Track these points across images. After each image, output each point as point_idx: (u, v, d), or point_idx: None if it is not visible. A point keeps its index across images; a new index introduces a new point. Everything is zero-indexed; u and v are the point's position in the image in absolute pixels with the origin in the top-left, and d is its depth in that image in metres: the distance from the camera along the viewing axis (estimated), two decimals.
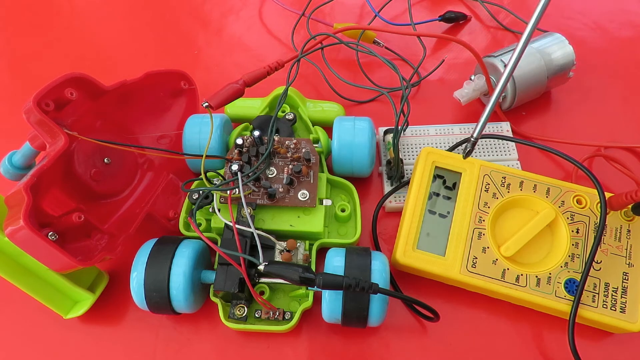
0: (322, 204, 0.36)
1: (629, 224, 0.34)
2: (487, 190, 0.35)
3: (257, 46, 0.52)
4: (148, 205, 0.37)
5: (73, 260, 0.29)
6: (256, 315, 0.34)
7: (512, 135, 0.42)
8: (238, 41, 0.53)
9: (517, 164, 0.40)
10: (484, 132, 0.42)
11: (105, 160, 0.37)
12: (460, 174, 0.36)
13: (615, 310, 0.32)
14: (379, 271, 0.31)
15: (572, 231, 0.34)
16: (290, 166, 0.36)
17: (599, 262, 0.33)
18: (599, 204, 0.34)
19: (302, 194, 0.35)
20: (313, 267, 0.35)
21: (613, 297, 0.32)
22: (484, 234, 0.34)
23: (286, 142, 0.37)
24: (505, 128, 0.42)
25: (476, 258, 0.33)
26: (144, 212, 0.36)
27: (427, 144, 0.42)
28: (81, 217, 0.32)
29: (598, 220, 0.34)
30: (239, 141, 0.36)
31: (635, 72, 0.47)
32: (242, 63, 0.51)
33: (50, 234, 0.29)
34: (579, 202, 0.35)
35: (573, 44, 0.42)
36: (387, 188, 0.40)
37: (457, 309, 0.35)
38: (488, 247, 0.33)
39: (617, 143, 0.42)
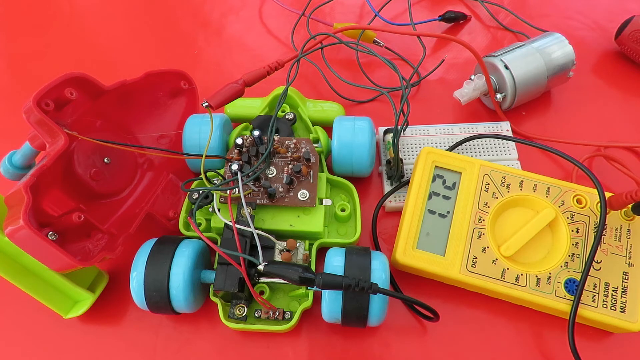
0: (322, 203, 0.36)
1: (629, 223, 0.34)
2: (487, 190, 0.35)
3: (257, 46, 0.52)
4: (148, 205, 0.37)
5: (73, 260, 0.29)
6: (256, 315, 0.34)
7: (512, 135, 0.42)
8: (238, 41, 0.53)
9: (517, 163, 0.40)
10: (483, 132, 0.42)
11: (105, 160, 0.37)
12: (460, 173, 0.36)
13: (615, 310, 0.32)
14: (378, 271, 0.31)
15: (572, 231, 0.34)
16: (290, 166, 0.36)
17: (599, 261, 0.33)
18: (599, 204, 0.34)
19: (302, 194, 0.35)
20: (313, 267, 0.35)
21: (613, 296, 0.32)
22: (483, 234, 0.34)
23: (286, 142, 0.37)
24: (505, 128, 0.42)
25: (476, 258, 0.33)
26: (144, 212, 0.36)
27: (427, 144, 0.42)
28: (81, 217, 0.32)
29: (598, 220, 0.34)
30: (239, 141, 0.36)
31: (635, 72, 0.47)
32: (242, 63, 0.51)
33: (50, 233, 0.29)
34: (579, 201, 0.35)
35: (573, 44, 0.42)
36: (387, 188, 0.40)
37: (457, 309, 0.35)
38: (488, 247, 0.33)
39: (617, 143, 0.42)
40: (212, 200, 0.34)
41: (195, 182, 0.38)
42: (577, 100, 0.46)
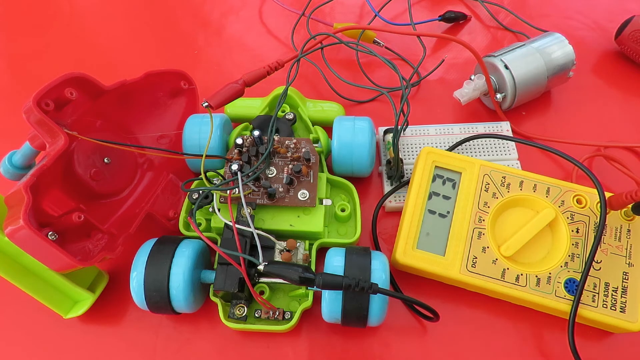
0: (322, 203, 0.36)
1: (629, 223, 0.34)
2: (487, 190, 0.35)
3: (257, 46, 0.52)
4: (148, 205, 0.37)
5: (73, 260, 0.29)
6: (256, 315, 0.34)
7: (512, 135, 0.42)
8: (238, 41, 0.53)
9: (517, 163, 0.40)
10: (483, 132, 0.42)
11: (105, 160, 0.37)
12: (460, 173, 0.36)
13: (615, 310, 0.32)
14: (378, 271, 0.31)
15: (572, 231, 0.34)
16: (290, 166, 0.36)
17: (599, 261, 0.33)
18: (599, 204, 0.34)
19: (302, 194, 0.35)
20: (313, 267, 0.35)
21: (613, 296, 0.32)
22: (483, 234, 0.34)
23: (286, 142, 0.37)
24: (505, 128, 0.42)
25: (476, 258, 0.33)
26: (144, 212, 0.36)
27: (427, 144, 0.42)
28: (81, 217, 0.32)
29: (598, 219, 0.34)
30: (239, 141, 0.36)
31: (635, 72, 0.47)
32: (242, 63, 0.51)
33: (50, 233, 0.29)
34: (579, 201, 0.35)
35: (573, 44, 0.42)
36: (387, 188, 0.40)
37: (457, 309, 0.35)
38: (488, 247, 0.33)
39: (617, 143, 0.42)
40: (212, 200, 0.34)
41: (195, 182, 0.38)
42: (577, 100, 0.46)
